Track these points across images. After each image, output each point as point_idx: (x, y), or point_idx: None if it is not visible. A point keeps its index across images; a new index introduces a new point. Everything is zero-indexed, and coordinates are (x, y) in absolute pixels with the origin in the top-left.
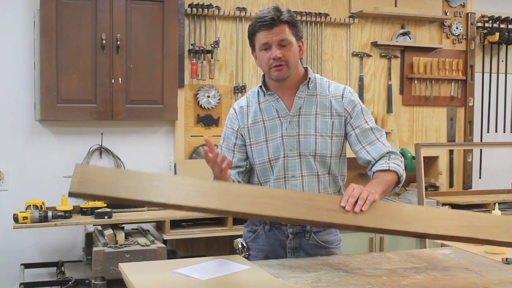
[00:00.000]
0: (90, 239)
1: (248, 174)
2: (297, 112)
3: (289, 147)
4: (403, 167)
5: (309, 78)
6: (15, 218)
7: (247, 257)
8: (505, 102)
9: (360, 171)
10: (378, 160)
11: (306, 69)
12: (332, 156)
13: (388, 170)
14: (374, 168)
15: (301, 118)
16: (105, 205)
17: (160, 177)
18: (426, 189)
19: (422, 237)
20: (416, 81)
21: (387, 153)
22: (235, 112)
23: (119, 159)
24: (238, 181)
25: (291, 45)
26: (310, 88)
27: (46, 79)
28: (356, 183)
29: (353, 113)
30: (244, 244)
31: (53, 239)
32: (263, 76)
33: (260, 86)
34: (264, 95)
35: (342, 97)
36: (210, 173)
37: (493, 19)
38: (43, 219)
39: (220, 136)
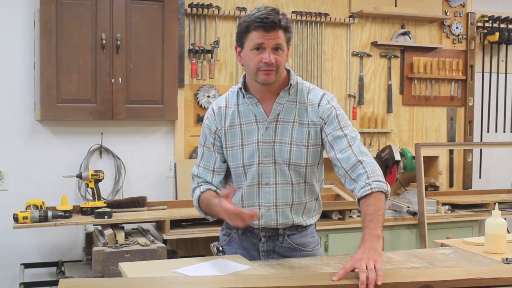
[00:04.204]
0: (90, 239)
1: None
2: (275, 118)
3: (264, 154)
4: (382, 175)
5: (291, 84)
6: (15, 218)
7: None
8: (505, 102)
9: None
10: (349, 171)
11: (288, 72)
12: (308, 165)
13: (372, 193)
14: (358, 194)
15: (279, 125)
16: (105, 205)
17: (151, 279)
18: (426, 189)
19: (427, 286)
20: (416, 81)
21: (358, 161)
22: (213, 113)
23: (119, 159)
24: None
25: (283, 51)
26: (290, 94)
27: (46, 79)
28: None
29: (327, 120)
30: (220, 248)
31: (53, 239)
32: (244, 77)
33: (240, 88)
34: (243, 97)
35: (318, 105)
36: None
37: (493, 19)
38: (43, 219)
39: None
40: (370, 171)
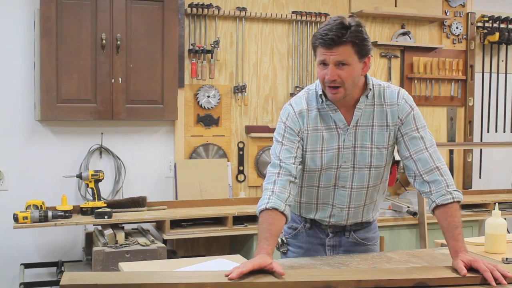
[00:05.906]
0: (90, 239)
1: None
2: (355, 124)
3: (343, 159)
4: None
5: (369, 89)
6: (15, 218)
7: (285, 253)
8: (505, 102)
9: None
10: (423, 174)
11: (365, 76)
12: (386, 165)
13: (453, 203)
14: (437, 201)
15: (358, 130)
16: (105, 205)
17: (151, 273)
18: None
19: (422, 283)
20: (416, 81)
21: (436, 167)
22: (295, 114)
23: (119, 159)
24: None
25: (350, 66)
26: (368, 98)
27: (46, 79)
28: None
29: (405, 120)
30: (284, 240)
31: (53, 239)
32: None
33: (320, 95)
34: (322, 102)
35: (397, 104)
36: (208, 173)
37: (493, 19)
38: (43, 219)
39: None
40: (449, 180)
